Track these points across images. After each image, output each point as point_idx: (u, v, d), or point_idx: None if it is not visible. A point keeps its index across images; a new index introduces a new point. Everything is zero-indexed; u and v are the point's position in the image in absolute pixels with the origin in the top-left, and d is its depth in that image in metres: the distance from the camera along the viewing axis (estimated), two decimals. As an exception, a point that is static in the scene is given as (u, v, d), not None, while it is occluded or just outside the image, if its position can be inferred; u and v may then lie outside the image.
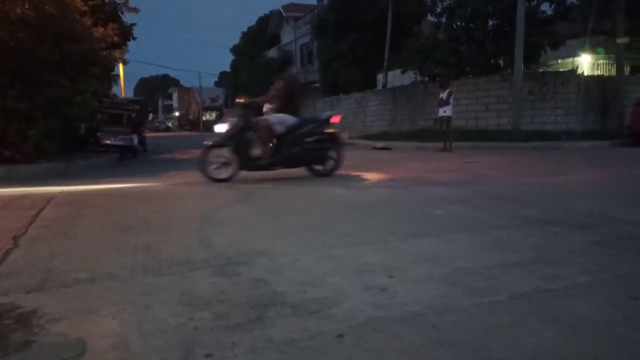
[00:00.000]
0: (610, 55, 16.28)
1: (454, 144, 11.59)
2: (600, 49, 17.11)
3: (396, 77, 19.70)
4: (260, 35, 40.62)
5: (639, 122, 11.86)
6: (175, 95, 75.49)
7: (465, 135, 13.32)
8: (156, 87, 79.85)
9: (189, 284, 2.24)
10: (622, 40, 14.17)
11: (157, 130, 49.93)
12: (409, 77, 18.59)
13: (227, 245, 2.94)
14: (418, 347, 1.59)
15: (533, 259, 2.52)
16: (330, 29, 23.95)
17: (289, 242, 2.99)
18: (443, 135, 11.63)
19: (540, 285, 2.15)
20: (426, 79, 17.53)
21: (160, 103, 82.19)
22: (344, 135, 19.35)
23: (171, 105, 77.69)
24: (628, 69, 16.45)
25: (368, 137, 16.79)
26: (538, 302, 1.97)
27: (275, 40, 38.63)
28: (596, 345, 1.59)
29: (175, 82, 77.97)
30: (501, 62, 16.19)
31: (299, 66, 34.47)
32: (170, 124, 61.98)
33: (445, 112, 11.51)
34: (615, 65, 15.36)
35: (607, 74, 17.02)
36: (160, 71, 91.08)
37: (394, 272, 2.35)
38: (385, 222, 3.59)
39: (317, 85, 28.16)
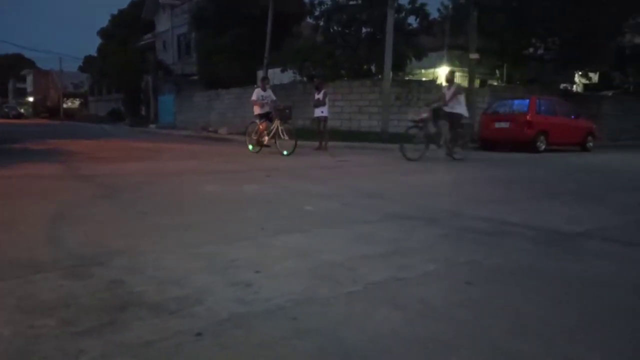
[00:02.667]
0: (464, 69, 18.27)
1: (329, 143, 12.05)
2: (456, 62, 19.11)
3: (276, 75, 19.84)
4: (133, 20, 37.91)
5: (486, 129, 13.49)
6: (29, 79, 67.02)
7: (340, 135, 13.92)
8: (7, 68, 70.06)
9: (31, 289, 2.01)
10: (473, 56, 16.00)
11: (6, 117, 43.86)
12: (289, 75, 18.87)
13: (82, 244, 2.70)
14: (277, 340, 1.63)
15: (390, 251, 2.73)
16: (210, 21, 23.25)
17: (154, 240, 2.84)
18: (319, 134, 12.01)
19: (394, 274, 2.34)
20: (305, 79, 17.96)
21: (10, 86, 72.32)
22: (223, 131, 19.10)
23: (25, 89, 68.83)
24: (478, 82, 18.62)
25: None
26: (390, 290, 2.14)
27: (149, 26, 36.37)
28: (436, 327, 1.78)
29: (29, 64, 69.20)
30: (373, 68, 17.23)
31: (175, 57, 32.92)
32: (23, 110, 54.88)
33: (322, 112, 11.91)
34: (467, 77, 17.27)
35: (462, 85, 19.07)
36: (12, 50, 79.83)
37: (261, 268, 2.37)
38: (256, 218, 3.60)
39: (195, 77, 27.18)
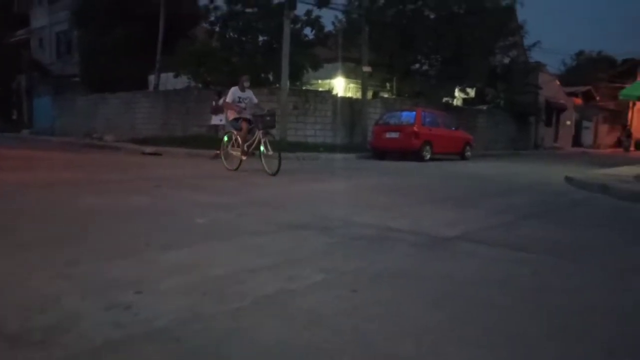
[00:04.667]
0: (358, 81, 19.10)
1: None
2: (351, 74, 19.93)
3: (169, 80, 19.03)
4: (3, 14, 33.98)
5: (378, 139, 14.21)
6: None
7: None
8: None
9: None
10: (366, 69, 16.82)
11: None
12: (183, 81, 18.21)
13: None
14: (156, 364, 1.55)
15: (280, 262, 2.74)
16: (95, 19, 21.61)
17: (17, 261, 2.55)
18: (218, 142, 11.75)
19: (283, 286, 2.34)
20: (200, 85, 17.46)
21: None
22: (109, 138, 17.82)
23: None
24: (371, 93, 19.58)
25: (137, 141, 15.75)
26: (279, 302, 2.15)
27: (23, 22, 32.86)
28: (322, 336, 1.81)
29: None
30: (271, 77, 17.30)
31: (54, 56, 30.12)
32: None
33: (221, 120, 11.69)
34: (361, 89, 18.09)
35: (355, 96, 19.92)
36: None
37: (143, 287, 2.23)
38: (141, 232, 3.40)
39: (77, 79, 25.06)
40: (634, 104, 33.31)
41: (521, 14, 24.98)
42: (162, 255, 2.81)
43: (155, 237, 3.23)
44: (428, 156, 13.50)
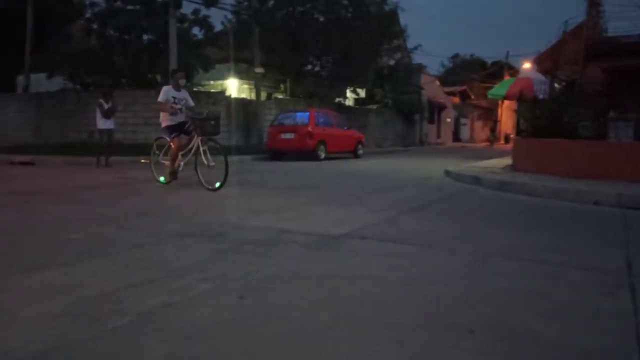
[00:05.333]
0: (251, 82, 18.99)
1: (110, 158, 11.07)
2: (243, 75, 19.76)
3: (41, 82, 17.30)
4: None
5: (273, 140, 14.25)
6: None
7: (124, 149, 12.91)
8: None
9: None
10: (258, 69, 16.78)
11: None
12: (58, 82, 16.67)
13: None
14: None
15: (163, 275, 2.62)
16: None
17: None
18: (103, 148, 10.92)
19: (165, 300, 2.25)
20: (78, 86, 16.11)
21: None
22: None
23: None
24: (265, 94, 19.58)
25: (5, 150, 14.09)
26: (160, 317, 2.05)
27: None
28: (203, 349, 1.77)
29: None
30: (158, 78, 16.53)
31: None
32: None
33: (109, 124, 10.91)
34: (254, 90, 18.01)
35: (249, 97, 19.79)
36: None
37: (2, 315, 2.00)
38: (7, 252, 3.05)
39: None
40: (502, 102, 37.23)
41: (403, 19, 26.71)
42: (28, 278, 2.54)
43: (21, 258, 2.91)
44: (323, 155, 13.84)
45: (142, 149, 13.48)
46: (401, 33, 24.79)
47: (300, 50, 19.20)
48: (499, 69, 39.42)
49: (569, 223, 4.58)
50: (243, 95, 20.27)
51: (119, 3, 15.54)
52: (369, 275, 2.71)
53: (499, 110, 38.74)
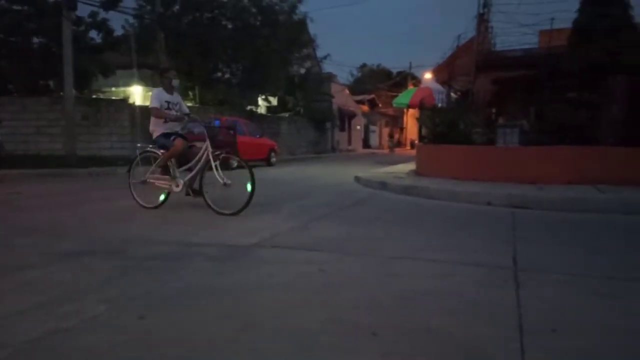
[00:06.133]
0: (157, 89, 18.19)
1: (-4, 171, 10.00)
2: (148, 82, 18.86)
3: None
4: None
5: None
6: None
7: (14, 161, 11.74)
8: None
9: None
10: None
11: None
12: None
13: None
14: None
15: (55, 298, 2.42)
16: None
17: None
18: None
19: (56, 326, 2.07)
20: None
21: None
22: None
23: None
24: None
25: None
26: (48, 346, 1.88)
27: None
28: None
29: None
30: (52, 84, 15.28)
31: None
32: None
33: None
34: (161, 98, 17.25)
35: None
36: None
37: None
38: None
39: None
40: (407, 110, 39.32)
41: (312, 29, 27.26)
42: None
43: None
44: (235, 164, 13.60)
45: (35, 162, 12.39)
46: (311, 42, 25.24)
47: (209, 56, 18.79)
48: (404, 79, 41.69)
49: (464, 223, 4.93)
50: (148, 103, 19.34)
51: (3, 2, 14.13)
52: (278, 284, 2.71)
53: (405, 118, 40.91)
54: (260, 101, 24.57)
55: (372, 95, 42.40)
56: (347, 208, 5.97)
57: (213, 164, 5.28)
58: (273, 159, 16.08)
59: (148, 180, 5.72)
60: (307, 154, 24.93)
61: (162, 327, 2.08)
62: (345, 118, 33.99)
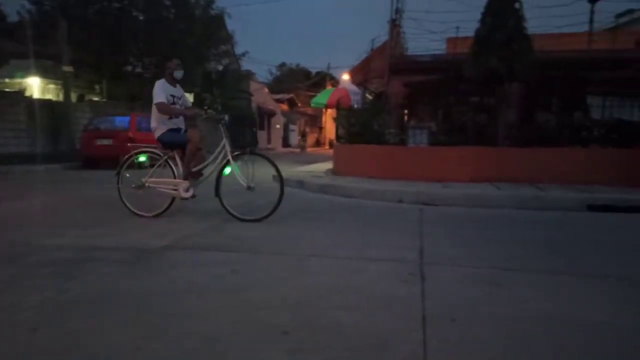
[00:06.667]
0: (58, 81, 16.87)
1: None
2: (48, 74, 17.42)
3: None
4: None
5: (88, 146, 12.86)
6: None
7: None
8: None
9: None
10: (67, 68, 14.97)
11: None
12: None
13: None
14: None
15: None
16: None
17: None
18: None
19: None
20: None
21: None
22: None
23: None
24: (75, 96, 17.56)
25: None
26: None
27: None
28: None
29: None
30: None
31: None
32: None
33: None
34: (63, 91, 16.02)
35: (57, 98, 17.55)
36: None
37: None
38: None
39: None
40: (326, 110, 40.00)
41: (230, 25, 26.80)
42: None
43: None
44: (147, 163, 12.99)
45: None
46: (229, 38, 24.76)
47: (118, 49, 17.74)
48: (322, 79, 42.33)
49: (377, 220, 5.11)
50: (49, 96, 17.86)
51: None
52: (188, 287, 2.63)
53: (324, 118, 41.55)
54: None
55: (292, 95, 42.60)
56: (263, 207, 5.93)
57: (233, 165, 4.85)
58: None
59: (148, 184, 5.03)
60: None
61: (55, 339, 1.93)
62: (265, 117, 33.81)
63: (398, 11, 11.93)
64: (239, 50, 26.87)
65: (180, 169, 5.01)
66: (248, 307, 2.32)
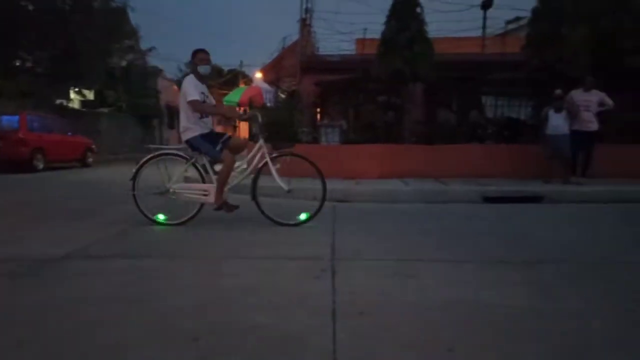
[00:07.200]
0: None
1: None
2: None
3: None
4: None
5: None
6: None
7: None
8: None
9: None
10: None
11: None
12: None
13: None
14: None
15: None
16: None
17: None
18: None
19: None
20: None
21: None
22: None
23: None
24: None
25: None
26: None
27: None
28: None
29: None
30: None
31: None
32: None
33: None
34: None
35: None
36: None
37: None
38: None
39: None
40: (239, 109, 39.39)
41: (135, 19, 25.47)
42: None
43: None
44: (41, 166, 11.95)
45: None
46: (133, 33, 23.47)
47: (6, 42, 16.07)
48: (235, 77, 41.58)
49: (292, 219, 5.15)
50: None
51: None
52: (91, 298, 2.47)
53: (238, 117, 40.79)
54: (72, 94, 21.98)
55: (203, 92, 41.36)
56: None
57: (272, 168, 4.59)
58: (90, 159, 14.58)
59: (174, 190, 4.62)
60: (132, 153, 23.18)
61: None
62: (175, 115, 32.54)
63: (308, 11, 12.10)
64: (145, 45, 25.58)
65: (211, 175, 4.64)
66: (158, 315, 2.24)
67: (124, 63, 24.55)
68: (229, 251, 3.54)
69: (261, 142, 4.63)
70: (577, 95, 7.41)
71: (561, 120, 7.10)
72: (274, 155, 4.66)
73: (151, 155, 4.71)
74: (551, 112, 7.18)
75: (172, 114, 31.78)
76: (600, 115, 7.40)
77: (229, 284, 2.71)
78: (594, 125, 7.34)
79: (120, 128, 23.61)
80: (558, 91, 7.17)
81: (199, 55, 4.65)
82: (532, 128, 8.35)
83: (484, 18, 13.75)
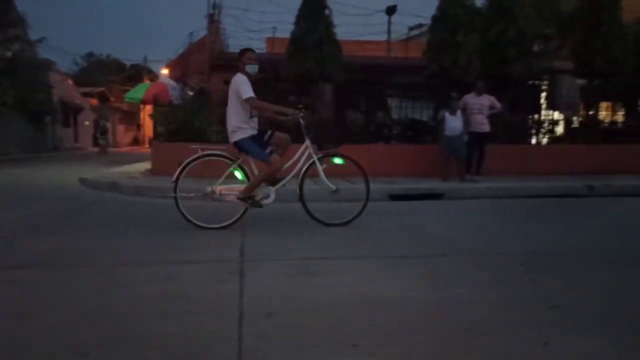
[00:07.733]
0: None
1: None
2: None
3: None
4: None
5: None
6: None
7: None
8: None
9: None
10: None
11: None
12: None
13: None
14: None
15: None
16: None
17: None
18: None
19: None
20: None
21: None
22: None
23: None
24: None
25: None
26: None
27: None
28: None
29: None
30: None
31: None
32: None
33: None
34: None
35: None
36: None
37: None
38: None
39: None
40: (144, 106, 37.41)
41: (22, 7, 23.19)
42: None
43: None
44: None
45: None
46: (20, 21, 21.33)
47: None
48: (138, 72, 39.41)
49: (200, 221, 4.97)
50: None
51: None
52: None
53: (142, 114, 38.79)
54: None
55: (103, 88, 38.73)
56: (68, 215, 5.28)
57: (320, 168, 4.52)
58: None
59: (219, 192, 4.42)
60: (20, 153, 21.02)
61: None
62: (70, 112, 30.07)
63: (216, 6, 11.79)
64: (34, 35, 23.32)
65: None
66: (42, 330, 2.03)
67: (9, 54, 22.21)
68: (126, 258, 3.31)
69: (307, 142, 4.58)
70: (470, 99, 7.99)
71: (457, 122, 7.61)
72: (320, 156, 4.62)
73: (196, 155, 4.53)
74: (447, 115, 7.67)
75: (67, 110, 29.34)
76: (490, 118, 8.06)
77: (123, 293, 2.53)
78: (486, 127, 7.96)
79: (5, 126, 21.32)
80: (454, 94, 7.69)
81: (247, 54, 4.59)
82: (433, 129, 8.87)
83: (389, 23, 14.36)
